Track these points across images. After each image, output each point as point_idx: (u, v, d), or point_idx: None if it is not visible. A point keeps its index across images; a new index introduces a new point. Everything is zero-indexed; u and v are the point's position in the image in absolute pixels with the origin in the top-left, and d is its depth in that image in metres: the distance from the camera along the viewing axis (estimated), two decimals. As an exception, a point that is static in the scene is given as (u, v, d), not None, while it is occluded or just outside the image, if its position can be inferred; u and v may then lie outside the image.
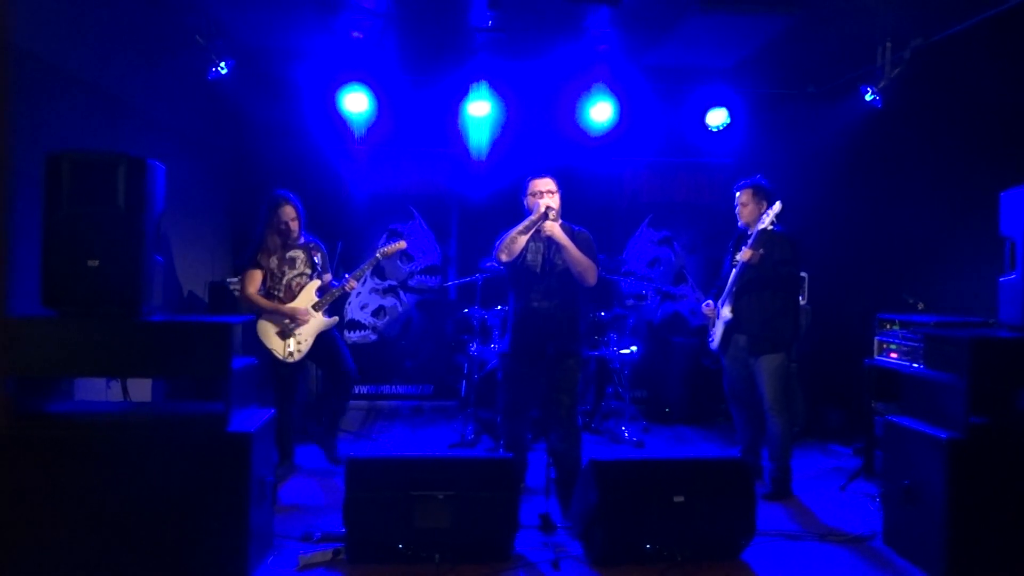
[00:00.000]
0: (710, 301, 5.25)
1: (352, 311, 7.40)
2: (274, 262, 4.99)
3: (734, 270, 4.96)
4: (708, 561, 3.66)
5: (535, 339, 4.31)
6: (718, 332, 5.09)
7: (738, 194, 5.06)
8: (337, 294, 5.08)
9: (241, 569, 3.30)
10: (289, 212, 5.00)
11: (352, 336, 7.34)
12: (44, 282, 3.30)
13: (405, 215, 7.49)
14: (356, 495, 3.57)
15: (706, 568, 3.61)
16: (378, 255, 5.17)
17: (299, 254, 5.07)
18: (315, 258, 5.10)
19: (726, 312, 5.00)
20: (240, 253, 7.06)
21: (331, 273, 5.16)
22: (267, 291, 4.99)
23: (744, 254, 4.75)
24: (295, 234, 5.03)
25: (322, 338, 5.05)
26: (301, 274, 5.04)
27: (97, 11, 4.55)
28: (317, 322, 4.99)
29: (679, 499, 3.64)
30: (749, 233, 4.95)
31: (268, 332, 4.93)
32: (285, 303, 4.95)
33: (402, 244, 5.28)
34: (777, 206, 4.67)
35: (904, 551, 3.85)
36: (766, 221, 4.67)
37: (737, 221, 5.12)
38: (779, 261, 4.81)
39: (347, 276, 5.07)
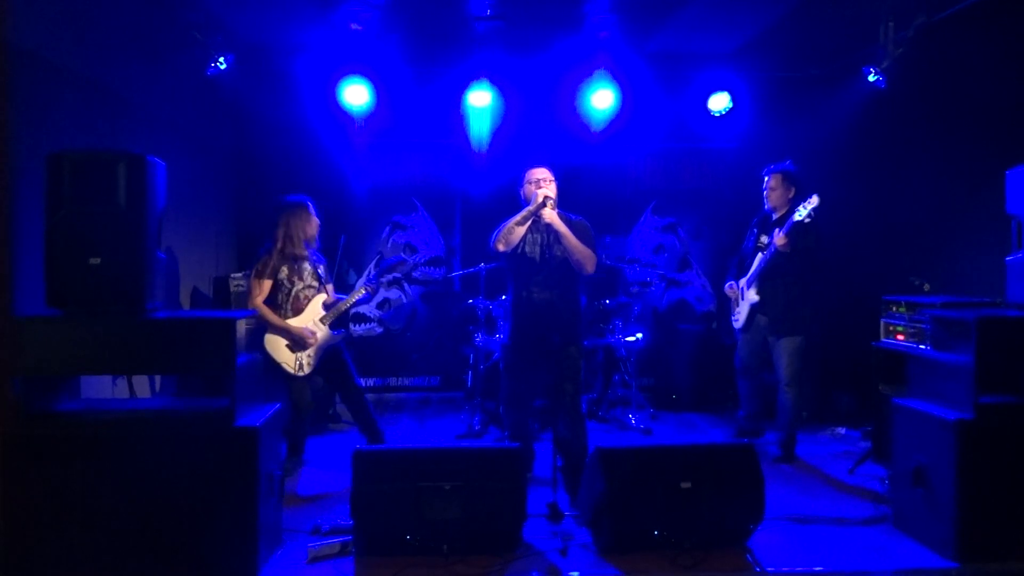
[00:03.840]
0: (733, 283, 5.48)
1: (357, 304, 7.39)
2: (284, 272, 4.84)
3: (761, 254, 5.19)
4: (717, 546, 3.65)
5: (536, 329, 4.31)
6: (743, 313, 5.34)
7: (767, 178, 5.27)
8: (343, 308, 4.98)
9: (250, 563, 3.31)
10: (315, 220, 4.94)
11: (358, 329, 7.34)
12: (48, 282, 3.31)
13: (408, 207, 7.47)
14: (363, 487, 3.58)
15: (715, 553, 3.60)
16: (382, 282, 5.21)
17: (306, 266, 4.93)
18: (319, 269, 4.99)
19: (752, 294, 5.26)
20: (246, 250, 7.11)
21: (331, 282, 5.08)
22: (274, 302, 4.85)
23: (779, 239, 4.94)
24: (314, 242, 4.96)
25: (329, 353, 4.94)
26: (308, 286, 4.91)
27: (95, 8, 4.54)
28: (323, 335, 4.89)
29: (686, 485, 3.63)
30: (774, 217, 5.21)
31: (278, 345, 4.80)
32: (291, 316, 4.85)
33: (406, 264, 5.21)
34: (815, 200, 4.82)
35: (914, 533, 3.84)
36: (803, 214, 4.83)
37: (763, 204, 5.35)
38: (805, 251, 5.01)
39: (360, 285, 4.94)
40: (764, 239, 5.23)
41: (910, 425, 3.93)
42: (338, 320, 5.02)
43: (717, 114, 6.91)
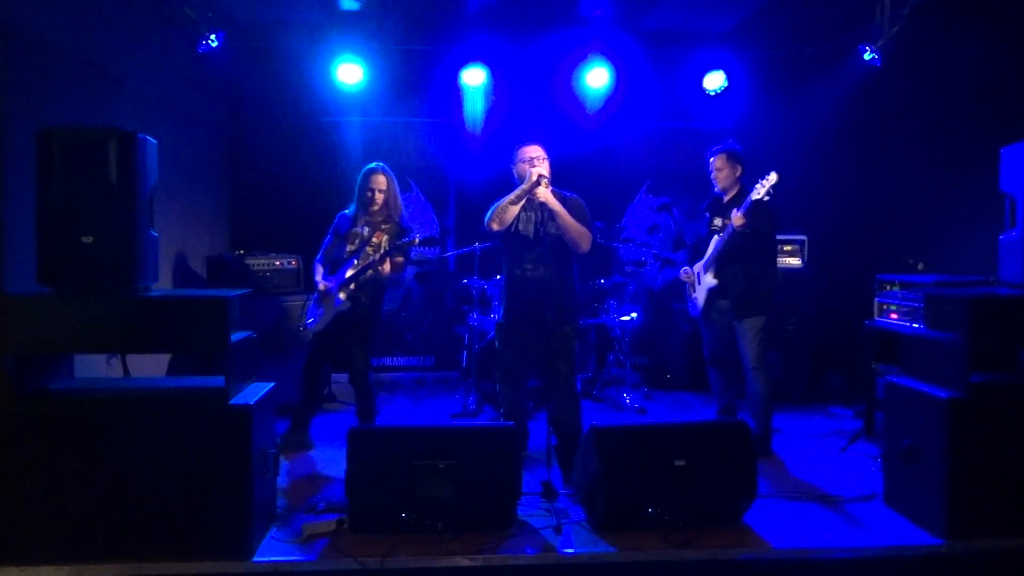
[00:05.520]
0: (688, 268, 5.30)
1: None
2: (350, 235, 4.90)
3: (717, 236, 5.01)
4: (710, 524, 3.67)
5: (530, 307, 4.31)
6: (701, 298, 5.15)
7: (712, 159, 5.09)
8: (348, 279, 4.77)
9: (245, 541, 3.32)
10: (378, 182, 4.86)
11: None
12: (39, 260, 3.28)
13: (402, 187, 7.39)
14: (358, 465, 3.59)
15: (708, 531, 3.62)
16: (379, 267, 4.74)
17: (362, 231, 4.88)
18: (373, 238, 4.82)
19: (709, 279, 5.05)
20: (240, 228, 7.10)
21: (390, 256, 4.71)
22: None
23: (736, 218, 4.72)
24: (378, 206, 4.86)
25: (343, 321, 4.84)
26: (352, 251, 4.88)
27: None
28: (331, 300, 4.85)
29: (680, 463, 3.65)
30: (725, 199, 5.07)
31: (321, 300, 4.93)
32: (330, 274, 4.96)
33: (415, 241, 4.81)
34: (773, 177, 4.63)
35: (905, 511, 3.87)
36: (761, 192, 4.63)
37: (713, 187, 5.17)
38: (763, 230, 4.83)
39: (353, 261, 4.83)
40: (718, 221, 5.04)
41: (902, 403, 3.95)
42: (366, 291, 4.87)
43: (712, 93, 6.86)
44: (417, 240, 4.76)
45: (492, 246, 5.88)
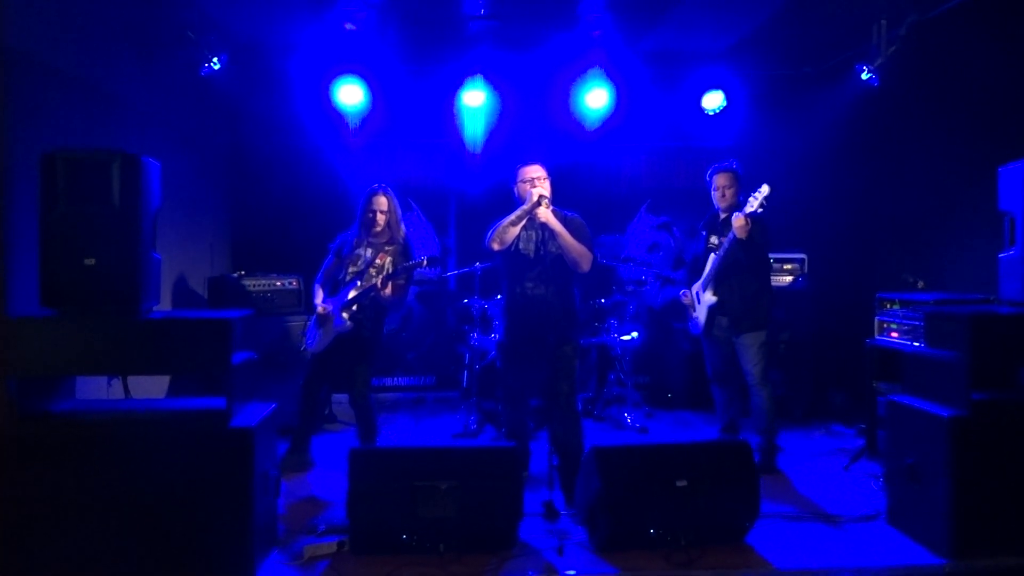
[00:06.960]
0: (686, 290, 5.30)
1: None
2: (352, 254, 4.88)
3: (714, 254, 5.02)
4: (713, 544, 3.66)
5: (530, 326, 4.32)
6: (702, 316, 5.14)
7: (715, 177, 5.05)
8: (351, 300, 4.77)
9: (246, 562, 3.31)
10: (379, 203, 4.85)
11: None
12: (42, 282, 3.30)
13: (403, 207, 7.40)
14: (359, 486, 3.58)
15: (711, 551, 3.61)
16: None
17: (365, 252, 4.87)
18: (377, 260, 4.82)
19: (709, 296, 5.06)
20: (240, 249, 7.12)
21: (395, 278, 4.72)
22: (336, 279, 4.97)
23: (738, 220, 4.66)
24: (380, 227, 4.85)
25: (344, 342, 4.83)
26: (354, 272, 4.86)
27: (88, 8, 4.53)
28: (331, 320, 4.85)
29: (682, 484, 3.64)
30: (723, 218, 5.04)
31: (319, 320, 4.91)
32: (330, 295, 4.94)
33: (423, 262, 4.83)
34: (765, 189, 4.64)
35: (908, 530, 3.86)
36: (755, 204, 4.65)
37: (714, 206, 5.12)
38: (759, 241, 4.82)
39: (355, 283, 4.82)
40: (715, 240, 5.04)
41: (904, 422, 3.95)
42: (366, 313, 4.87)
43: (711, 113, 6.92)
44: (425, 262, 4.75)
45: (493, 266, 5.90)
